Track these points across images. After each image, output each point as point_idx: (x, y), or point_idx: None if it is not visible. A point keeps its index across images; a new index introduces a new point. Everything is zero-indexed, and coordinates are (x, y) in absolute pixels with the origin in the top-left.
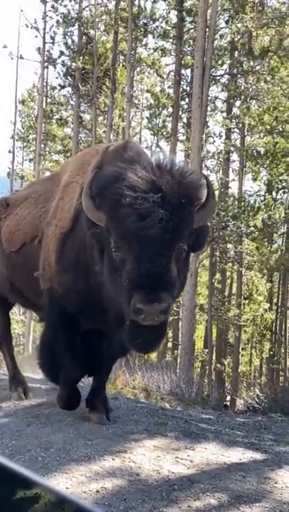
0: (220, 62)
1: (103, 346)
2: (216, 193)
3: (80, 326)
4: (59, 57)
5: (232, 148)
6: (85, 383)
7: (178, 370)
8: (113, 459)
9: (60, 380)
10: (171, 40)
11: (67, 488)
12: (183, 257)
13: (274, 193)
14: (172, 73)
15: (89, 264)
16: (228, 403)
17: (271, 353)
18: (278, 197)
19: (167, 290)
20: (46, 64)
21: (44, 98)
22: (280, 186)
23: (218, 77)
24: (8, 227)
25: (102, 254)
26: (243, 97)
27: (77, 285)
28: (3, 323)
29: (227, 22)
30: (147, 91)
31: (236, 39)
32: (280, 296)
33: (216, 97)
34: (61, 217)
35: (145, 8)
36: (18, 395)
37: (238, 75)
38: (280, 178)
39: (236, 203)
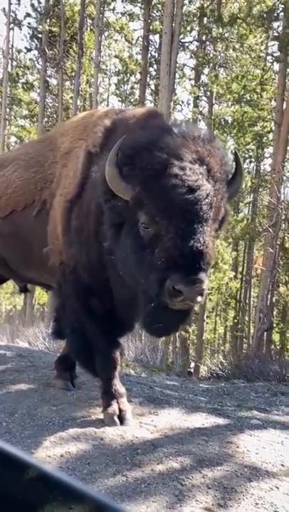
0: (189, 28)
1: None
2: None
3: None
4: (25, 18)
5: (200, 117)
6: (51, 349)
7: (143, 337)
8: (77, 424)
9: (100, 368)
10: (139, 5)
11: (31, 452)
12: (215, 238)
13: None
14: (140, 39)
15: (90, 237)
16: (192, 370)
17: (235, 321)
18: (245, 166)
19: (206, 271)
20: (12, 26)
21: (9, 61)
22: (246, 156)
23: (186, 44)
24: None
25: (119, 230)
26: (211, 64)
27: (82, 258)
28: None
29: None
30: (115, 56)
31: (205, 5)
32: (245, 264)
33: (185, 64)
34: (65, 185)
35: None
36: None
37: (207, 42)
38: (247, 147)
39: None
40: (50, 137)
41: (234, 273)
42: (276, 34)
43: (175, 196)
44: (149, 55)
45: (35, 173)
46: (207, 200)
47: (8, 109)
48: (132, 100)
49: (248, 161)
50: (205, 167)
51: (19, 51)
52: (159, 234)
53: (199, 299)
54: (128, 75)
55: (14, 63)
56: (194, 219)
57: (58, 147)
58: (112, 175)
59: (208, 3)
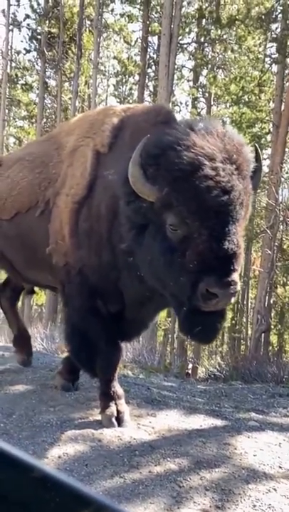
0: (187, 30)
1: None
2: None
3: (106, 303)
4: (24, 20)
5: (198, 118)
6: (49, 350)
7: (141, 338)
8: (75, 426)
9: (100, 370)
10: (138, 6)
11: (29, 454)
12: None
13: None
14: (139, 40)
15: (102, 239)
16: (189, 371)
17: (233, 322)
18: None
19: (238, 271)
20: (11, 27)
21: (9, 62)
22: None
23: (185, 45)
24: None
25: (140, 231)
26: (209, 66)
27: (91, 261)
28: None
29: None
30: (114, 57)
31: (204, 7)
32: (243, 266)
33: (183, 66)
34: (72, 185)
35: None
36: None
37: (206, 44)
38: None
39: None
40: (54, 136)
41: None
42: (274, 36)
43: (208, 198)
44: (148, 56)
45: (40, 174)
46: (239, 200)
47: (7, 110)
48: (131, 101)
49: None
50: (234, 166)
51: (18, 52)
52: (189, 236)
53: (232, 300)
54: (127, 76)
55: (13, 64)
56: (227, 220)
57: (63, 146)
58: (137, 176)
59: (206, 4)
